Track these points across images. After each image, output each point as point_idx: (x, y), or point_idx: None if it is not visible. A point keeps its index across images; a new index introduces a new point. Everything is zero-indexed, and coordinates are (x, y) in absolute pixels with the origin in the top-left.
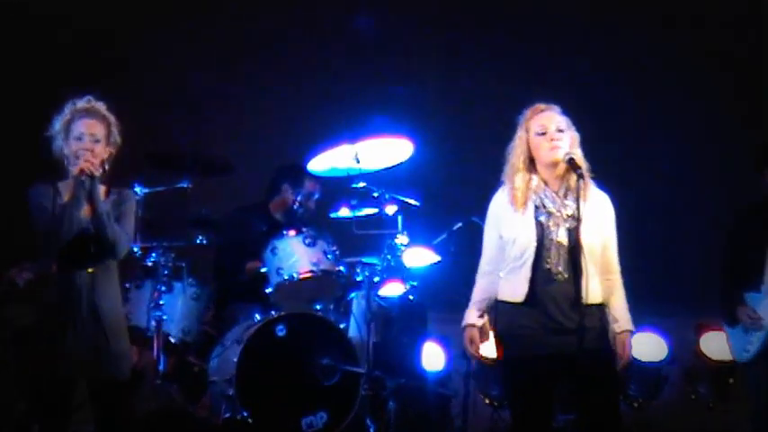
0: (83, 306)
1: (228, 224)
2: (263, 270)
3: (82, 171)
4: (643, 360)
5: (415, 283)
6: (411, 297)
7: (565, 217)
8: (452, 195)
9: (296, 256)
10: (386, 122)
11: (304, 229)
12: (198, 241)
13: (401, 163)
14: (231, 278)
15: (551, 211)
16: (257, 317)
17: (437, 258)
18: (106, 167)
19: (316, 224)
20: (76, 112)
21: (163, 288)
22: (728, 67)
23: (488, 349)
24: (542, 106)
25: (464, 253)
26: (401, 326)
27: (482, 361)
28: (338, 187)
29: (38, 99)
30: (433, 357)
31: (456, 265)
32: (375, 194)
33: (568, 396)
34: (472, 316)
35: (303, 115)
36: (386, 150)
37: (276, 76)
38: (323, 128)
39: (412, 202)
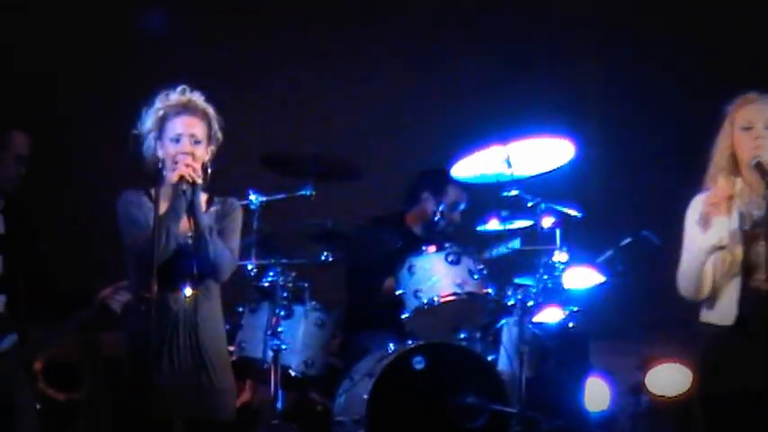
0: (180, 335)
1: (360, 238)
2: (398, 292)
3: (182, 178)
4: None
5: (575, 309)
6: (571, 324)
7: None
8: (620, 205)
9: (437, 276)
10: (542, 121)
11: (447, 245)
12: (323, 258)
13: (560, 167)
14: (364, 301)
15: (757, 220)
16: (391, 347)
17: (602, 279)
18: (209, 171)
19: (460, 239)
20: (171, 107)
21: (282, 312)
22: None
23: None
24: (753, 96)
25: (634, 273)
26: (559, 358)
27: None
28: (487, 196)
29: (127, 93)
30: (596, 395)
31: (624, 288)
32: (529, 204)
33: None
34: None
35: (446, 112)
36: (542, 153)
37: (414, 69)
38: (469, 127)
39: (573, 212)
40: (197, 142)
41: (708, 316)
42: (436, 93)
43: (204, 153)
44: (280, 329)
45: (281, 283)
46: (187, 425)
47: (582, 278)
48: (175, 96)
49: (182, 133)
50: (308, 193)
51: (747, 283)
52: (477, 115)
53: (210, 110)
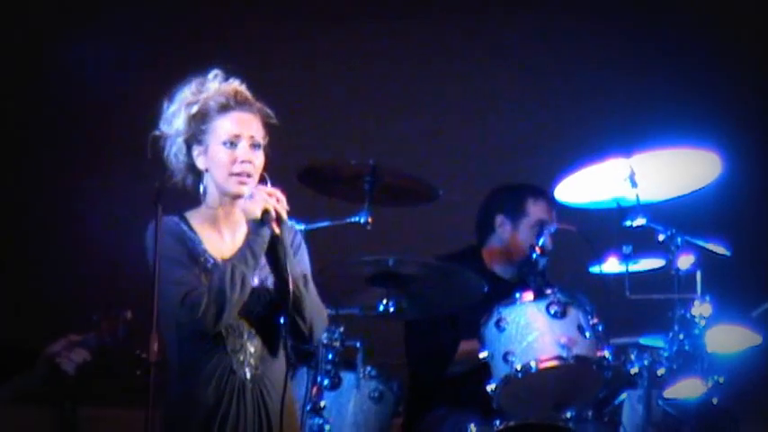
0: (247, 409)
1: (432, 282)
2: (482, 355)
3: (267, 213)
4: None
5: (722, 380)
6: (715, 401)
7: None
8: None
9: (535, 333)
10: (680, 128)
11: (549, 291)
12: (381, 308)
13: (703, 189)
14: (434, 368)
15: None
16: (473, 430)
17: (757, 340)
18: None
19: (566, 284)
20: (221, 99)
21: (326, 382)
22: None
23: None
24: None
25: None
26: None
27: None
28: (603, 226)
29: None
30: None
31: None
32: (661, 238)
33: None
34: None
35: (549, 116)
36: (679, 170)
37: (505, 62)
38: (578, 135)
39: (719, 250)
40: (257, 146)
41: None
42: (536, 91)
43: (263, 161)
44: (322, 404)
45: (324, 341)
46: None
47: (731, 339)
48: (219, 85)
49: (239, 134)
50: (364, 219)
51: None
52: (592, 119)
53: (263, 105)
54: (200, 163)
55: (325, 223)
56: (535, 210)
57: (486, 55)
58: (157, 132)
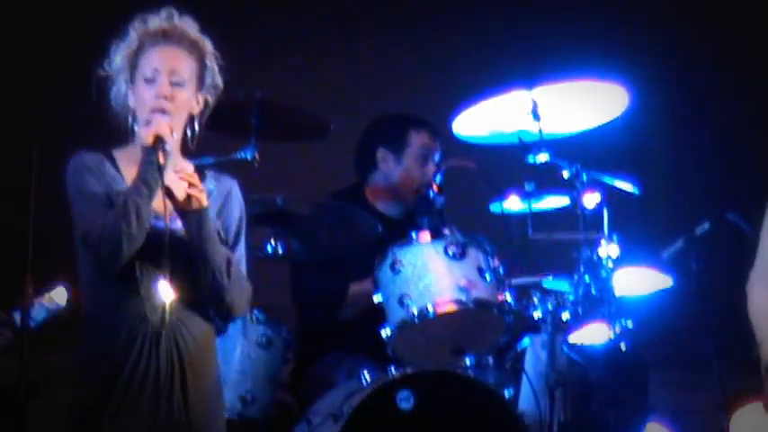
0: (160, 358)
1: (318, 221)
2: (376, 299)
3: (158, 138)
4: None
5: (630, 324)
6: (623, 347)
7: None
8: (692, 179)
9: (432, 275)
10: (585, 59)
11: (447, 231)
12: (269, 250)
13: (610, 123)
14: (325, 314)
15: None
16: (366, 377)
17: (668, 283)
18: (196, 129)
19: (465, 224)
20: (148, 35)
21: None
22: None
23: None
24: None
25: (714, 272)
26: (606, 394)
27: None
28: (505, 162)
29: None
30: None
31: (699, 295)
32: (565, 175)
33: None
34: None
35: (445, 48)
36: (585, 103)
37: None
38: (479, 67)
39: (627, 187)
40: (179, 84)
41: None
42: (431, 20)
43: (191, 100)
44: None
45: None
46: None
47: (639, 281)
48: (156, 22)
49: (159, 69)
50: (250, 156)
51: None
52: (493, 52)
53: (205, 42)
54: (131, 101)
55: (210, 160)
56: (418, 139)
57: None
58: (102, 72)
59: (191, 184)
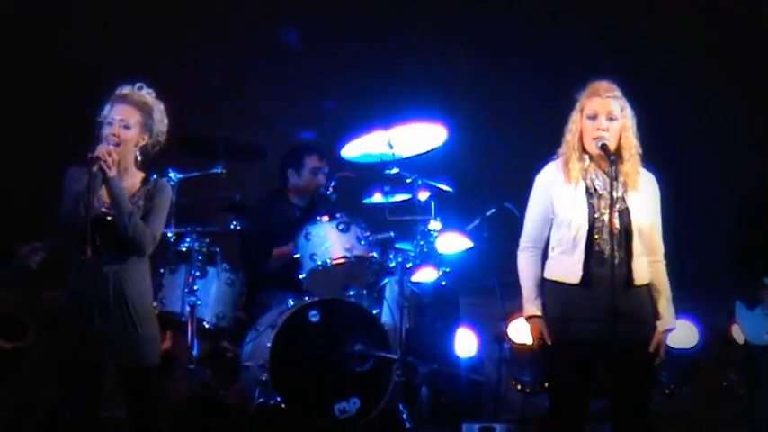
0: (109, 292)
1: (258, 209)
2: (296, 255)
3: (96, 158)
4: (675, 347)
5: (447, 269)
6: (444, 283)
7: (615, 199)
8: (485, 181)
9: (329, 241)
10: (419, 108)
11: (338, 215)
12: (231, 227)
13: (435, 149)
14: (258, 265)
15: (601, 193)
16: (290, 302)
17: (470, 244)
18: (137, 156)
19: (348, 209)
20: (115, 98)
21: (197, 273)
22: None
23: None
24: (599, 88)
25: (497, 239)
26: (434, 312)
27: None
28: (372, 173)
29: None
30: (465, 343)
31: (489, 252)
32: (408, 180)
33: (602, 379)
34: (535, 305)
35: (338, 102)
36: (419, 136)
37: (310, 64)
38: (357, 114)
39: (445, 188)
40: (127, 127)
41: (555, 274)
42: (328, 85)
43: (135, 137)
44: (195, 287)
45: (196, 248)
46: (119, 369)
47: (453, 243)
48: (122, 90)
49: (114, 118)
50: (219, 170)
51: (591, 247)
52: (364, 104)
53: (155, 104)
54: (104, 135)
55: (196, 173)
56: (309, 161)
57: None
58: (99, 118)
59: (105, 148)
